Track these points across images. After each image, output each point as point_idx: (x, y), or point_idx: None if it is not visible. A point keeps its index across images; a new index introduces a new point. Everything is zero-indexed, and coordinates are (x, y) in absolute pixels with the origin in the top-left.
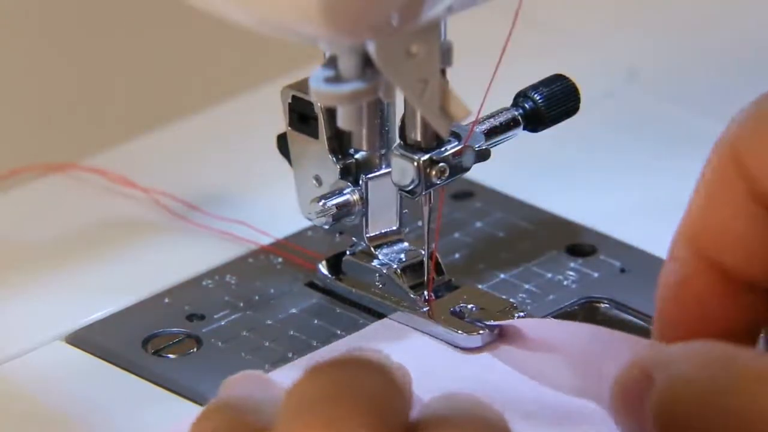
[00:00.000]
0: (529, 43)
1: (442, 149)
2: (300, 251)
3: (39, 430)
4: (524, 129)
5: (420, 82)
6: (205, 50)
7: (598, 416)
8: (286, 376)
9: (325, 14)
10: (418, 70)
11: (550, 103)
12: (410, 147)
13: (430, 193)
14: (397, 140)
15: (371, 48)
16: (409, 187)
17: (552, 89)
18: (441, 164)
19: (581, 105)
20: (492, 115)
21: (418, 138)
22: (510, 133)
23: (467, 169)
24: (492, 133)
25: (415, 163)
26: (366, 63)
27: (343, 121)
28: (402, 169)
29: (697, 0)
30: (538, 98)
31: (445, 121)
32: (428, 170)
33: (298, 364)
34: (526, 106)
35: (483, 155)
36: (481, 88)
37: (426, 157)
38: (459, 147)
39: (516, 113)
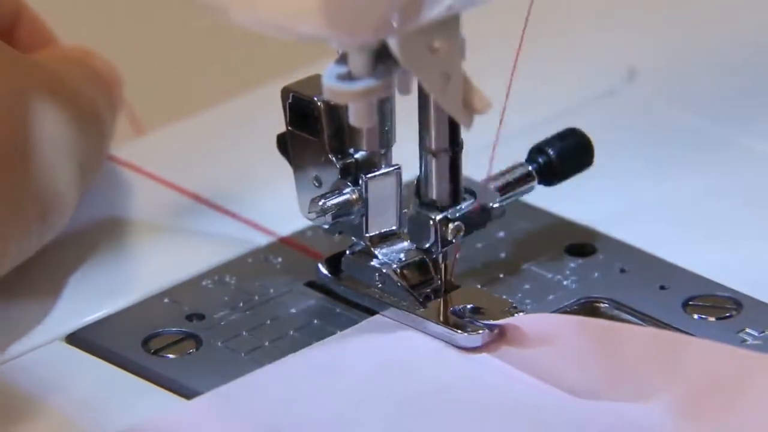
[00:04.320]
0: (528, 44)
1: (458, 207)
2: (305, 248)
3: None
4: (539, 183)
5: (442, 76)
6: (204, 50)
7: (598, 414)
8: (283, 374)
9: (324, 14)
10: (440, 65)
11: (564, 158)
12: (426, 206)
13: (445, 251)
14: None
15: (393, 44)
16: (426, 245)
17: (566, 144)
18: (457, 223)
19: (581, 105)
20: (506, 171)
21: (434, 197)
22: (524, 188)
23: (483, 226)
24: (507, 189)
25: (432, 222)
26: (377, 60)
27: (354, 119)
28: (420, 229)
29: (697, 0)
30: (552, 153)
31: (468, 115)
32: (444, 229)
33: (295, 362)
34: (540, 161)
35: (498, 214)
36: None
37: (441, 216)
38: (474, 205)
39: (530, 168)
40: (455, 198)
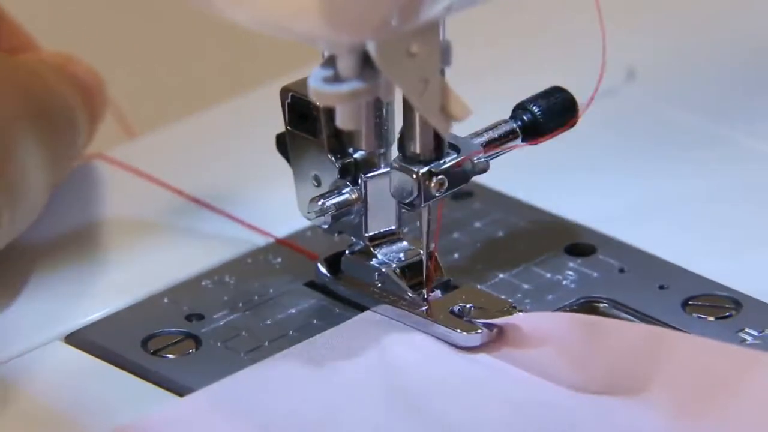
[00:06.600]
0: (528, 43)
1: (441, 161)
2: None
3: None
4: (522, 141)
5: (420, 81)
6: (204, 50)
7: (595, 412)
8: (276, 370)
9: (324, 14)
10: (418, 70)
11: (549, 116)
12: (409, 159)
13: (429, 205)
14: (396, 153)
15: (371, 48)
16: (408, 200)
17: (550, 101)
18: (440, 176)
19: (580, 104)
20: (490, 128)
21: (417, 150)
22: (509, 146)
23: (466, 181)
24: (491, 145)
25: (414, 176)
26: (365, 62)
27: (341, 121)
28: (401, 182)
29: (697, 0)
30: (536, 110)
31: (446, 121)
32: (427, 183)
33: (288, 359)
34: (525, 118)
35: (481, 168)
36: (481, 91)
37: (425, 169)
38: (458, 159)
39: (514, 125)
40: (439, 152)
